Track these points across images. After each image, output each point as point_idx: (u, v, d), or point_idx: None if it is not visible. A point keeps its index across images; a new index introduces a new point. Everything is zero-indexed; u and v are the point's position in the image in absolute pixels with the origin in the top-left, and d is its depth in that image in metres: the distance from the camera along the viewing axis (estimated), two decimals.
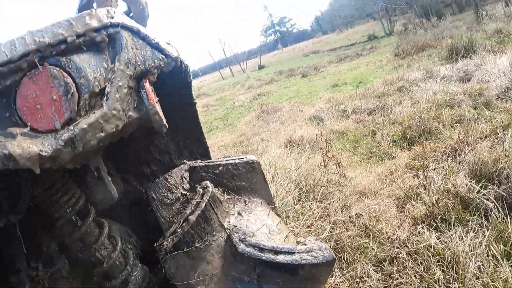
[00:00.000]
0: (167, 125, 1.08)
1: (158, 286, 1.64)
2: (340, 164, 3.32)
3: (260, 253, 1.10)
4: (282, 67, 22.13)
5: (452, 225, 2.30)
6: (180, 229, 1.17)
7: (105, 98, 0.95)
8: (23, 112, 0.91)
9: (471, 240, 2.10)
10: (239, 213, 1.26)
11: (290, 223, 2.67)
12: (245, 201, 1.35)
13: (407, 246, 2.23)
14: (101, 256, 1.53)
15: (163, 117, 1.06)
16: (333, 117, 5.72)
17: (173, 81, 1.34)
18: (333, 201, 2.92)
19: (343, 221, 2.67)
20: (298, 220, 2.72)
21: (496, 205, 2.26)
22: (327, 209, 2.86)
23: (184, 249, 1.17)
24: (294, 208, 2.89)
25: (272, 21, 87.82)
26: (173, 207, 1.36)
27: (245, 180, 1.39)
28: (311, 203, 2.95)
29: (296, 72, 15.55)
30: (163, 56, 1.11)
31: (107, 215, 1.92)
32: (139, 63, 1.03)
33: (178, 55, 1.18)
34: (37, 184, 1.48)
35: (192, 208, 1.19)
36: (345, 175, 3.26)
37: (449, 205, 2.40)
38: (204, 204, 1.19)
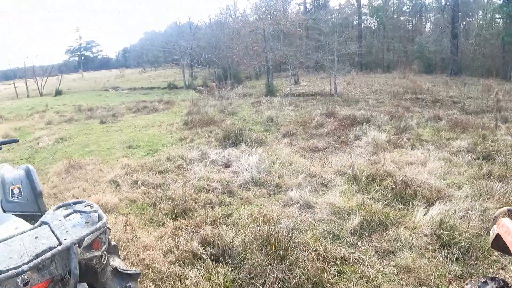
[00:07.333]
0: None
1: None
2: (133, 229, 5.48)
3: None
4: (81, 99, 22.37)
5: None
6: None
7: None
8: None
9: None
10: None
11: None
12: None
13: None
14: None
15: None
16: (128, 184, 6.83)
17: None
18: (129, 253, 4.96)
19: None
20: None
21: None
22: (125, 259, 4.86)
23: None
24: None
25: (80, 44, 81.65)
26: None
27: None
28: None
29: (95, 114, 16.16)
30: None
31: None
32: None
33: None
34: None
35: None
36: (137, 236, 5.39)
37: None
38: None
